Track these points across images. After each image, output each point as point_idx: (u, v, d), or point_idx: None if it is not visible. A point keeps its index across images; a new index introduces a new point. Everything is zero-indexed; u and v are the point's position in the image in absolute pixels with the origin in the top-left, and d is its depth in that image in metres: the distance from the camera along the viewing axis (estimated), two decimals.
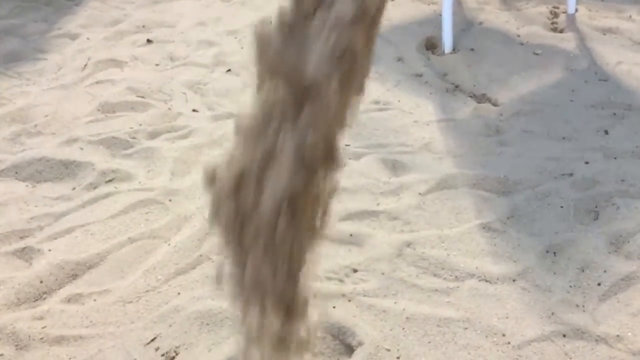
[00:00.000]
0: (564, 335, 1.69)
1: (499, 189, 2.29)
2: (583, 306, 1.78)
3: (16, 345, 1.77)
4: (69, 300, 1.91)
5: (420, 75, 3.16)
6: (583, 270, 1.90)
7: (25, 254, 2.09)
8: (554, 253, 1.97)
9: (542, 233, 2.05)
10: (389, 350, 1.70)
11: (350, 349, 1.72)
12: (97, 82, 3.21)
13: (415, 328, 1.76)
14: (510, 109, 2.83)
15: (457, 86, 3.06)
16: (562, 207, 2.16)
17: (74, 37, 3.75)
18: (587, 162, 2.40)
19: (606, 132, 2.60)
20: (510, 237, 2.05)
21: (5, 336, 1.79)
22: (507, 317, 1.76)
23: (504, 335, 1.70)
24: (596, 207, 2.17)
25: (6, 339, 1.79)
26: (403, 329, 1.76)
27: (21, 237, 2.16)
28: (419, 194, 2.29)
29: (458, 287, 1.88)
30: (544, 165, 2.41)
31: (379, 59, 3.32)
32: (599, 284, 1.85)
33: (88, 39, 3.71)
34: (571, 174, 2.33)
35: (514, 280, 1.88)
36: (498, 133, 2.67)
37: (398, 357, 1.68)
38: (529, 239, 2.03)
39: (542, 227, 2.08)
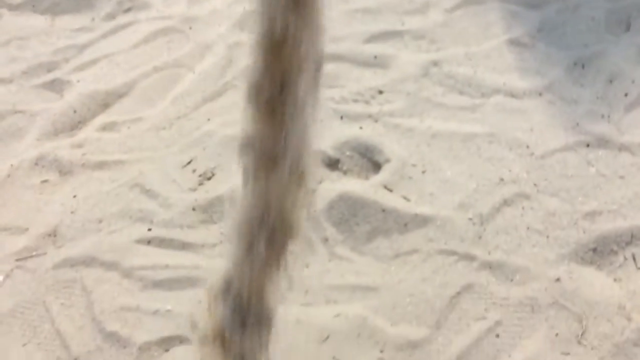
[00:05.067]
0: (588, 145, 1.73)
1: (528, 2, 2.20)
2: (608, 116, 1.79)
3: (60, 171, 1.87)
4: (104, 128, 1.97)
5: None
6: (611, 82, 1.88)
7: (55, 86, 2.13)
8: (582, 65, 1.94)
9: (571, 46, 2.01)
10: (414, 165, 1.76)
11: (377, 166, 1.78)
12: None
13: (440, 144, 1.80)
14: None
15: None
16: (593, 18, 2.09)
17: None
18: None
19: None
20: (538, 51, 2.01)
21: (49, 163, 1.89)
22: (531, 130, 1.79)
23: (528, 147, 1.74)
24: (628, 17, 2.09)
25: (49, 166, 1.88)
26: (429, 145, 1.81)
27: (49, 70, 2.18)
28: (445, 10, 2.21)
29: (484, 103, 1.89)
30: None
31: None
32: (625, 95, 1.84)
33: None
34: None
35: (540, 94, 1.88)
36: None
37: (423, 172, 1.74)
38: (558, 52, 2.00)
39: (571, 40, 2.03)
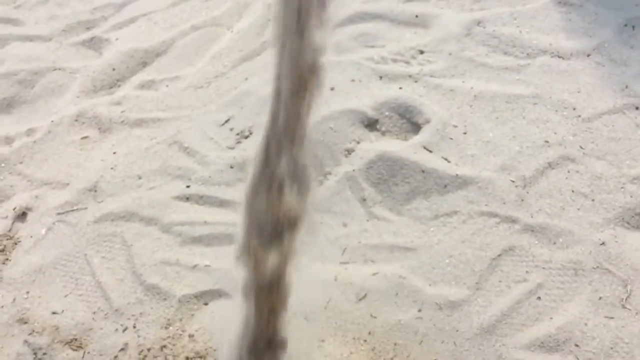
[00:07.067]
0: (637, 108, 1.67)
1: None
2: None
3: (99, 128, 1.88)
4: (142, 86, 1.98)
5: None
6: None
7: (94, 44, 2.13)
8: (633, 27, 1.87)
9: (621, 6, 1.93)
10: (456, 126, 1.72)
11: (417, 127, 1.75)
12: None
13: (483, 105, 1.76)
14: None
15: None
16: None
17: None
18: None
19: None
20: (587, 11, 1.94)
21: (88, 120, 1.90)
22: (578, 92, 1.73)
23: (574, 109, 1.69)
24: None
25: (89, 123, 1.90)
26: (470, 106, 1.77)
27: (87, 28, 2.19)
28: None
29: (529, 64, 1.83)
30: None
31: None
32: None
33: None
34: None
35: (588, 55, 1.82)
36: None
37: (465, 133, 1.70)
38: (607, 12, 1.92)
39: (622, 0, 1.96)
